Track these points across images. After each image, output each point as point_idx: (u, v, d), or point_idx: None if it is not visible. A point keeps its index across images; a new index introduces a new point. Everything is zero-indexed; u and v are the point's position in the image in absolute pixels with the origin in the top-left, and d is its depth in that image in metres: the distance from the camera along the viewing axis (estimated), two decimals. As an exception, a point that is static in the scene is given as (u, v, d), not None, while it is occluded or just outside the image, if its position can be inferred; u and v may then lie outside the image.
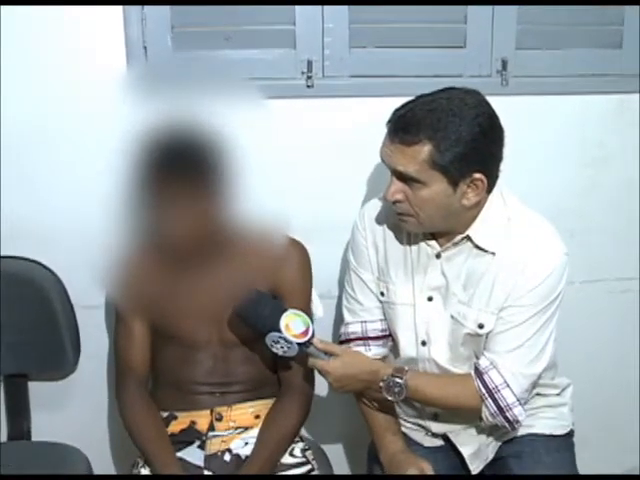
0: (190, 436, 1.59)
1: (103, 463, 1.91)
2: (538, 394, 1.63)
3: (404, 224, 1.49)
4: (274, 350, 1.47)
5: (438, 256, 1.52)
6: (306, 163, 1.79)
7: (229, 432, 1.59)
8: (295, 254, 1.61)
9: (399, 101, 1.44)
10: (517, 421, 1.49)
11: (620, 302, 2.03)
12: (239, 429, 1.60)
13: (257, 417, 1.61)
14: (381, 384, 1.48)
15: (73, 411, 1.89)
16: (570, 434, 1.67)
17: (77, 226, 1.72)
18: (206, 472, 1.56)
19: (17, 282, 1.74)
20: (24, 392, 1.84)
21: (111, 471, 1.95)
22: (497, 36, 1.80)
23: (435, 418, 1.61)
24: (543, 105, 1.86)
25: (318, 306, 1.70)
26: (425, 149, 1.38)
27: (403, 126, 1.39)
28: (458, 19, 1.78)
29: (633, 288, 2.03)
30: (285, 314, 1.45)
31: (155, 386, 1.66)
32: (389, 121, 1.42)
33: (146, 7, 1.69)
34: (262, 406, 1.62)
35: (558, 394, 1.67)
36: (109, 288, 1.72)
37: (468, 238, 1.49)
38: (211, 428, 1.59)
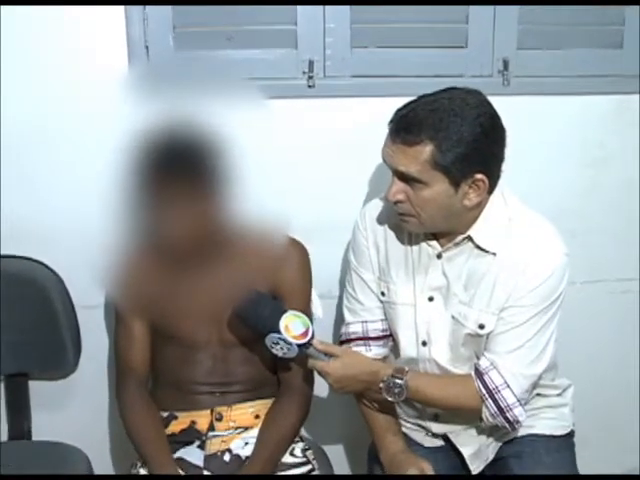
0: (190, 436, 1.59)
1: (103, 463, 1.91)
2: (539, 394, 1.63)
3: (405, 224, 1.49)
4: (274, 351, 1.47)
5: (439, 256, 1.52)
6: (307, 163, 1.79)
7: (229, 432, 1.59)
8: (295, 254, 1.61)
9: (401, 101, 1.44)
10: (517, 421, 1.49)
11: (620, 303, 2.03)
12: (239, 429, 1.60)
13: (257, 417, 1.61)
14: (381, 385, 1.48)
15: (74, 411, 1.89)
16: (570, 434, 1.67)
17: (77, 226, 1.72)
18: (206, 472, 1.56)
19: (18, 282, 1.74)
20: (25, 392, 1.84)
21: (111, 471, 1.95)
22: (498, 36, 1.80)
23: (435, 418, 1.61)
24: (544, 105, 1.86)
25: (318, 306, 1.70)
26: (427, 149, 1.38)
27: (405, 126, 1.39)
28: (459, 19, 1.78)
29: (633, 289, 2.03)
30: (285, 315, 1.45)
31: (155, 386, 1.66)
32: (391, 121, 1.42)
33: (148, 7, 1.69)
34: (262, 406, 1.62)
35: (559, 395, 1.67)
36: (109, 288, 1.72)
37: (469, 238, 1.49)
38: (211, 428, 1.59)
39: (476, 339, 1.51)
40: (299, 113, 1.78)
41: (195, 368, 1.60)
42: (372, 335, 1.61)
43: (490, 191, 1.46)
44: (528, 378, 1.49)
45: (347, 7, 1.73)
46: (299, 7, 1.72)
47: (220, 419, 1.59)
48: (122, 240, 1.59)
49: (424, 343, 1.55)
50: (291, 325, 1.45)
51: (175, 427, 1.60)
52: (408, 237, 1.55)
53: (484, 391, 1.47)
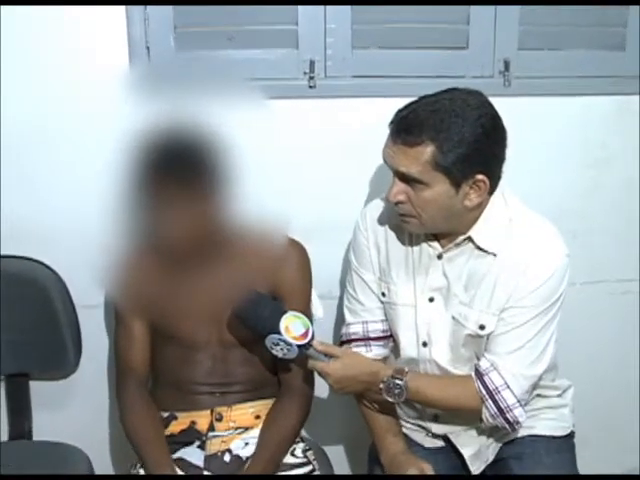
0: (190, 436, 1.59)
1: (104, 463, 1.91)
2: (539, 395, 1.63)
3: (406, 225, 1.49)
4: (274, 352, 1.47)
5: (440, 257, 1.52)
6: (308, 163, 1.79)
7: (229, 432, 1.59)
8: (295, 255, 1.61)
9: (401, 102, 1.44)
10: (517, 422, 1.49)
11: (620, 303, 2.03)
12: (239, 429, 1.60)
13: (257, 417, 1.61)
14: (381, 385, 1.48)
15: (74, 411, 1.89)
16: (571, 435, 1.67)
17: (77, 226, 1.72)
18: (206, 472, 1.56)
19: (19, 281, 1.74)
20: (25, 392, 1.84)
21: (112, 471, 1.95)
22: (499, 37, 1.79)
23: (435, 419, 1.61)
24: (545, 106, 1.86)
25: (318, 307, 1.69)
26: (428, 150, 1.38)
27: (406, 127, 1.39)
28: (461, 20, 1.78)
29: (633, 290, 2.03)
30: (285, 316, 1.45)
31: (155, 386, 1.66)
32: (391, 122, 1.42)
33: (149, 7, 1.69)
34: (262, 406, 1.62)
35: (559, 395, 1.67)
36: (109, 288, 1.72)
37: (470, 239, 1.49)
38: (211, 428, 1.59)
39: (476, 340, 1.51)
40: (300, 113, 1.78)
41: (195, 368, 1.60)
42: (372, 336, 1.61)
43: (491, 192, 1.46)
44: (528, 379, 1.49)
45: (348, 7, 1.73)
46: (300, 7, 1.72)
47: (220, 419, 1.59)
48: (122, 240, 1.59)
49: (424, 344, 1.55)
50: (291, 326, 1.44)
51: (175, 427, 1.60)
52: (409, 238, 1.55)
53: (484, 392, 1.47)
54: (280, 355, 1.47)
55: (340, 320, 1.72)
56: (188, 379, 1.60)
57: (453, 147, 1.37)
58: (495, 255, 1.48)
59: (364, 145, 1.65)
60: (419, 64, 1.79)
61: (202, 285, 1.56)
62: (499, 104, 1.44)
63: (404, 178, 1.42)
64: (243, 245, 1.56)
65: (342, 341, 1.64)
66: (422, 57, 1.79)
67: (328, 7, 1.73)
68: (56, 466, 1.68)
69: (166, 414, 1.61)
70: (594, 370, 2.01)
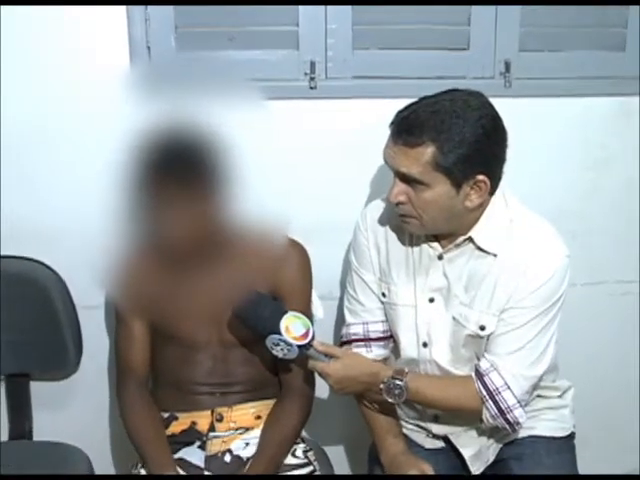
0: (190, 437, 1.59)
1: (104, 463, 1.91)
2: (539, 396, 1.63)
3: (406, 225, 1.49)
4: (274, 353, 1.47)
5: (440, 257, 1.52)
6: (309, 164, 1.79)
7: (230, 432, 1.59)
8: (295, 255, 1.61)
9: (402, 103, 1.44)
10: (518, 423, 1.49)
11: (620, 304, 2.03)
12: (240, 429, 1.60)
13: (258, 418, 1.61)
14: (381, 386, 1.48)
15: (75, 411, 1.89)
16: (571, 436, 1.67)
17: (77, 226, 1.72)
18: (206, 473, 1.56)
19: (19, 282, 1.74)
20: (26, 392, 1.84)
21: (112, 471, 1.95)
22: (500, 38, 1.79)
23: (436, 420, 1.61)
24: (546, 107, 1.86)
25: (318, 307, 1.69)
26: (428, 151, 1.38)
27: (406, 128, 1.39)
28: (461, 21, 1.78)
29: (633, 291, 2.03)
30: (285, 316, 1.45)
31: (155, 386, 1.66)
32: (392, 123, 1.42)
33: (150, 7, 1.69)
34: (263, 407, 1.62)
35: (559, 396, 1.68)
36: (109, 288, 1.72)
37: (470, 240, 1.49)
38: (212, 429, 1.59)
39: (477, 340, 1.51)
40: (300, 114, 1.78)
41: (195, 368, 1.60)
42: (373, 336, 1.61)
43: (491, 192, 1.46)
44: (528, 379, 1.49)
45: (349, 8, 1.73)
46: (301, 8, 1.72)
47: (221, 420, 1.59)
48: (122, 240, 1.59)
49: (425, 344, 1.55)
50: (291, 326, 1.44)
51: (175, 428, 1.60)
52: (409, 238, 1.55)
53: (484, 392, 1.47)
54: (280, 355, 1.47)
55: (340, 321, 1.72)
56: (188, 379, 1.60)
57: (454, 148, 1.37)
58: (495, 256, 1.48)
59: (365, 146, 1.65)
60: (420, 65, 1.78)
61: (202, 285, 1.56)
62: (500, 105, 1.44)
63: (405, 179, 1.42)
64: (243, 245, 1.56)
65: (342, 342, 1.64)
66: (423, 58, 1.79)
67: (329, 8, 1.73)
68: (56, 466, 1.68)
69: (166, 414, 1.61)
70: (594, 371, 2.01)
